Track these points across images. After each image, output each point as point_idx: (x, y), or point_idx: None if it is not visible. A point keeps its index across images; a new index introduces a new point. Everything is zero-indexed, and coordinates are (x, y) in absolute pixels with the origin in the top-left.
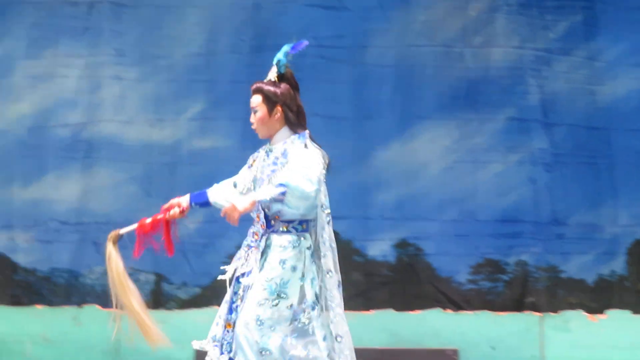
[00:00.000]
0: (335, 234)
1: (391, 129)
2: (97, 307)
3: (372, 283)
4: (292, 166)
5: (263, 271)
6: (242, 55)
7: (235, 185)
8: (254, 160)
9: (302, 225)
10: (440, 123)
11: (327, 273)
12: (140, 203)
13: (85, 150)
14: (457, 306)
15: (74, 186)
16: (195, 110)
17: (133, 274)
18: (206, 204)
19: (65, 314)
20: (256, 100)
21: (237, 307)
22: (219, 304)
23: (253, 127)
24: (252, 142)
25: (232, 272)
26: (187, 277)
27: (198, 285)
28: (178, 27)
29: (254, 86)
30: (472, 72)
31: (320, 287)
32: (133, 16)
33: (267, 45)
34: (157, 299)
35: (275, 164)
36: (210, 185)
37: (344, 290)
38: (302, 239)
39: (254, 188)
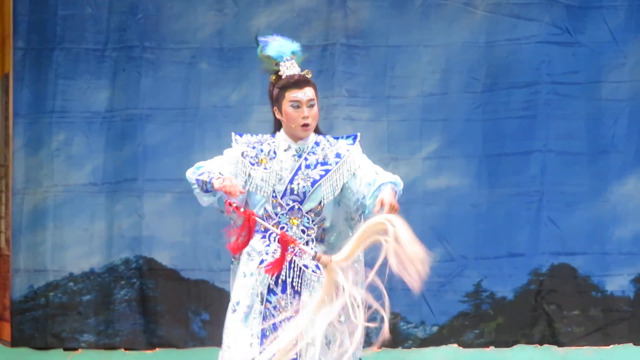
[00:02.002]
0: (573, 269)
1: (627, 163)
2: None
3: (611, 318)
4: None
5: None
6: (476, 94)
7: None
8: (262, 160)
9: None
10: None
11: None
12: None
13: None
14: None
15: None
16: (429, 150)
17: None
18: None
19: None
20: (312, 93)
21: (280, 322)
22: (457, 342)
23: (307, 121)
24: (487, 179)
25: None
26: (425, 316)
27: (435, 324)
28: (411, 67)
29: (303, 77)
30: None
31: None
32: (365, 57)
33: (500, 84)
34: (395, 338)
35: (326, 163)
36: None
37: (582, 326)
38: None
39: (287, 190)
